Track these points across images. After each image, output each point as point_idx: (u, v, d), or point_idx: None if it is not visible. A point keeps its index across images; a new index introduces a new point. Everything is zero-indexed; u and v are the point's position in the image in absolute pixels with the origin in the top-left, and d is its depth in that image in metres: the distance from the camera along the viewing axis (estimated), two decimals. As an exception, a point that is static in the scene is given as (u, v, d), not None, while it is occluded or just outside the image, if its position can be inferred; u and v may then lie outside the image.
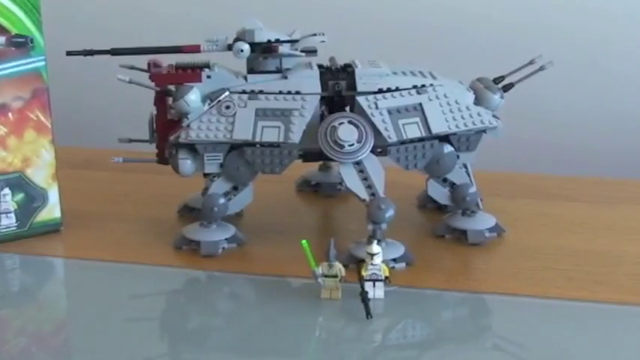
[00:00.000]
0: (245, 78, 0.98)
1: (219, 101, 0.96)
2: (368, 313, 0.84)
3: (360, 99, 0.95)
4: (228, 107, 0.95)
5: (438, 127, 0.96)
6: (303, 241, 0.85)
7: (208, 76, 0.97)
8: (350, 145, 0.94)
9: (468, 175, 1.01)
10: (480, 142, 0.99)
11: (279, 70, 0.98)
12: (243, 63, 0.98)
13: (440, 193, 1.02)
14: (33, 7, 1.00)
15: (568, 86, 1.41)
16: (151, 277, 0.96)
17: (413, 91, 0.96)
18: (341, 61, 1.01)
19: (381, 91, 0.96)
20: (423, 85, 0.97)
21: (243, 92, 0.96)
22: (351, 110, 0.97)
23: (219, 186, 0.98)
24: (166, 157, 0.99)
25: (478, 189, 1.01)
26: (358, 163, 0.94)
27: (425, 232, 1.04)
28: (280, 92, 0.96)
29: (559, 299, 0.88)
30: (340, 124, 0.94)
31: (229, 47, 0.97)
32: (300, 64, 1.00)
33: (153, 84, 0.97)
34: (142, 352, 0.81)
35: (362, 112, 0.95)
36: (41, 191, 1.04)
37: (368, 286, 0.87)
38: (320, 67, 1.00)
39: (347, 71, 0.99)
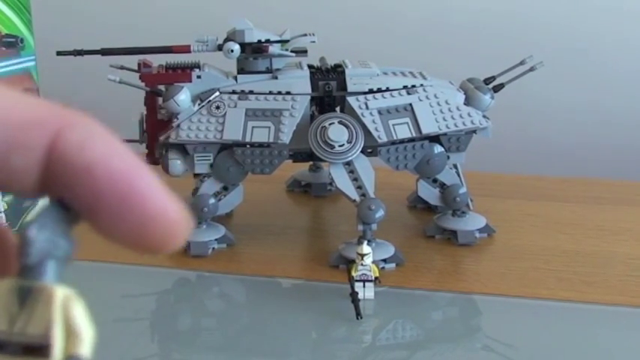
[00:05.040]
0: (235, 78, 0.98)
1: (209, 101, 0.95)
2: (358, 314, 0.84)
3: (351, 99, 0.95)
4: (218, 107, 0.95)
5: (428, 128, 0.96)
6: None
7: (198, 77, 0.97)
8: (340, 146, 0.94)
9: (459, 176, 1.01)
10: (470, 143, 0.99)
11: (269, 71, 0.98)
12: (234, 63, 0.98)
13: (430, 194, 1.02)
14: (23, 7, 0.99)
15: (558, 87, 1.41)
16: (141, 278, 0.96)
17: (403, 92, 0.96)
18: (331, 62, 1.01)
19: (371, 91, 0.96)
20: (414, 86, 0.97)
21: (234, 92, 0.96)
22: (342, 110, 0.97)
23: (209, 186, 0.98)
24: (156, 158, 0.99)
25: (468, 189, 1.01)
26: (348, 163, 0.94)
27: (415, 232, 1.04)
28: (270, 92, 0.96)
29: (549, 300, 0.89)
30: (330, 124, 0.94)
31: (219, 47, 0.97)
32: (291, 64, 1.00)
33: (143, 84, 0.97)
34: (132, 352, 0.81)
35: (352, 113, 0.95)
36: (31, 191, 1.03)
37: (358, 286, 0.87)
38: (310, 67, 1.00)
39: (337, 71, 0.99)
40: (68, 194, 0.27)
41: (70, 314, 0.27)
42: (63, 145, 0.27)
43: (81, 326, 0.27)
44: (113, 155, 0.27)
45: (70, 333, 0.27)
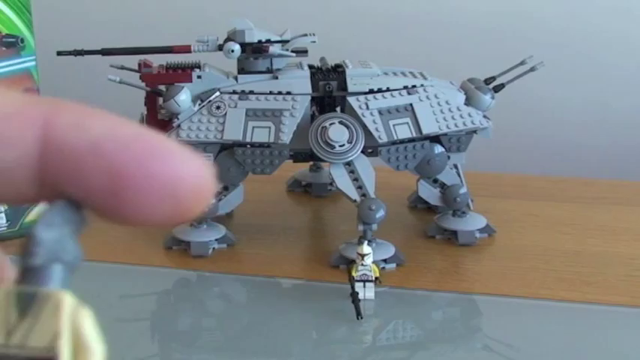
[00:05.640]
0: (236, 78, 0.98)
1: (209, 101, 0.95)
2: (358, 314, 0.84)
3: (351, 99, 0.95)
4: (218, 107, 0.95)
5: (428, 128, 0.95)
6: None
7: (199, 77, 0.97)
8: (341, 146, 0.93)
9: (459, 176, 1.01)
10: (470, 143, 0.99)
11: (269, 71, 0.98)
12: (234, 63, 0.98)
13: (430, 194, 1.02)
14: (24, 8, 0.99)
15: (559, 87, 1.41)
16: (141, 278, 0.96)
17: (404, 92, 0.96)
18: (331, 62, 1.01)
19: (371, 91, 0.96)
20: (414, 86, 0.97)
21: (234, 92, 0.96)
22: (342, 111, 0.97)
23: (210, 186, 0.98)
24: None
25: (469, 190, 1.01)
26: (349, 163, 0.94)
27: (415, 232, 1.04)
28: (271, 92, 0.96)
29: (549, 300, 0.89)
30: (331, 124, 0.94)
31: (220, 47, 0.97)
32: (291, 64, 1.00)
33: (143, 84, 0.97)
34: (133, 352, 0.81)
35: (353, 113, 0.95)
36: (31, 191, 1.03)
37: (358, 286, 0.87)
38: (311, 67, 1.00)
39: (337, 71, 0.99)
40: (78, 185, 0.24)
41: (80, 326, 0.24)
42: (57, 131, 0.24)
43: (91, 340, 0.24)
44: (115, 126, 0.24)
45: (79, 347, 0.24)
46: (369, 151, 0.96)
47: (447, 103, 0.97)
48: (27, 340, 0.23)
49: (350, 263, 0.90)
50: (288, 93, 0.96)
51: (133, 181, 0.24)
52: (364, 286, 0.87)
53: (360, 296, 0.86)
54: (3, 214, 1.02)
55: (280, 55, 0.98)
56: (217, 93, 0.96)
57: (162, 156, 0.24)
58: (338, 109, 0.98)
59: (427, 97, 0.96)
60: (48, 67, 1.08)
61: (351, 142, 0.94)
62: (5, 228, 1.02)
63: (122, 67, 1.01)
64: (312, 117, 0.97)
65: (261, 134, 0.95)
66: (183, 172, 0.24)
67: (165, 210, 0.24)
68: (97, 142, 0.24)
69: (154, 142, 0.24)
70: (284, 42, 0.98)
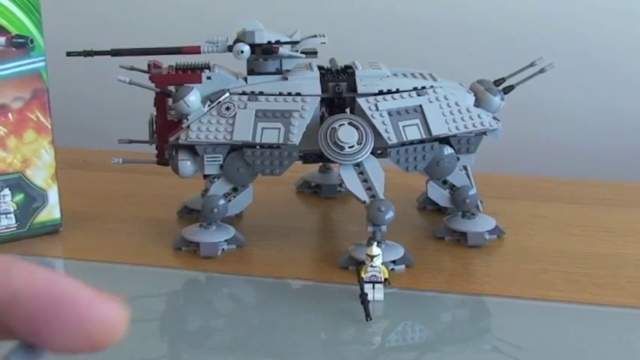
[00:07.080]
0: (245, 79, 0.98)
1: (219, 102, 0.95)
2: (367, 315, 0.84)
3: (361, 100, 0.95)
4: (228, 108, 0.95)
5: (438, 129, 0.95)
6: None
7: (208, 77, 0.97)
8: (350, 147, 0.93)
9: (468, 177, 1.01)
10: (479, 144, 0.99)
11: (279, 72, 0.98)
12: (244, 64, 0.98)
13: (440, 195, 1.01)
14: (33, 8, 0.99)
15: (568, 87, 1.41)
16: (150, 279, 0.96)
17: (413, 93, 0.96)
18: (341, 63, 1.01)
19: (381, 92, 0.96)
20: (424, 87, 0.97)
21: (243, 93, 0.96)
22: (351, 112, 0.97)
23: (219, 187, 0.98)
24: (166, 158, 0.99)
25: (478, 191, 1.01)
26: (358, 164, 0.94)
27: (425, 234, 1.04)
28: (280, 94, 0.96)
29: (559, 302, 0.88)
30: (340, 125, 0.94)
31: (229, 48, 0.97)
32: (301, 65, 1.00)
33: (153, 85, 0.97)
34: (141, 353, 0.81)
35: (362, 114, 0.95)
36: (41, 192, 1.04)
37: (367, 288, 0.87)
38: (320, 68, 1.00)
39: (347, 73, 0.99)
40: (17, 328, 0.29)
41: None
42: None
43: None
44: (33, 278, 0.28)
45: None
46: (379, 152, 0.96)
47: (456, 104, 0.97)
48: None
49: (359, 264, 0.90)
50: (298, 94, 0.96)
51: (47, 325, 0.28)
52: (373, 288, 0.87)
53: (369, 297, 0.86)
54: (12, 215, 1.02)
55: (290, 56, 0.98)
56: (227, 94, 0.96)
57: (70, 302, 0.28)
58: (347, 110, 0.98)
59: (437, 99, 0.96)
60: (57, 67, 1.08)
61: (360, 144, 0.93)
62: (14, 228, 1.03)
63: (132, 68, 1.02)
64: (322, 118, 0.97)
65: (270, 135, 0.95)
66: (89, 315, 0.28)
67: (82, 344, 0.28)
68: (17, 295, 0.28)
69: (64, 289, 0.29)
70: (294, 43, 0.98)
